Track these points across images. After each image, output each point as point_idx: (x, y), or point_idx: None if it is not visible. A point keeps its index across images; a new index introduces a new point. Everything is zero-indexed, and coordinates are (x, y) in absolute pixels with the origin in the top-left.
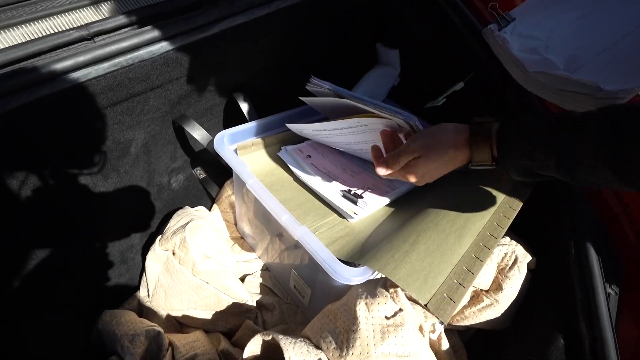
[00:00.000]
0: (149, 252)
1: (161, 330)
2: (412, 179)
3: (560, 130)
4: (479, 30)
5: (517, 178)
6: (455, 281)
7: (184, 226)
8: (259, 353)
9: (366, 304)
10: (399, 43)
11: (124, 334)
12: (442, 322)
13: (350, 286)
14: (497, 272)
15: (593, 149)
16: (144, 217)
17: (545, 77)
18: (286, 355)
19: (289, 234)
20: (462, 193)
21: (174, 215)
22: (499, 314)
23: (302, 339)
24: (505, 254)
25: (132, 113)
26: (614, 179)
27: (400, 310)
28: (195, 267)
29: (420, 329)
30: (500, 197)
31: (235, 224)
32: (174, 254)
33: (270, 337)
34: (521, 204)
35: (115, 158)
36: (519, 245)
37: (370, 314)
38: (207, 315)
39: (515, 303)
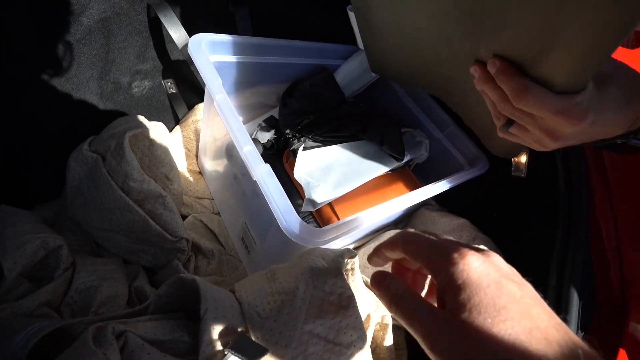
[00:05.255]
0: (74, 152)
1: (64, 244)
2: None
3: None
4: None
5: None
6: None
7: (126, 130)
8: (173, 297)
9: (312, 269)
10: None
11: (13, 235)
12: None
13: (303, 249)
14: None
15: None
16: (86, 116)
17: None
18: (203, 305)
19: (248, 175)
20: None
21: (120, 118)
22: None
23: (226, 292)
24: None
25: None
26: None
27: (349, 293)
28: (126, 183)
29: (367, 319)
30: None
31: (197, 157)
32: (104, 160)
33: (190, 279)
34: None
35: (64, 28)
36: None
37: (312, 283)
38: (131, 243)
39: None
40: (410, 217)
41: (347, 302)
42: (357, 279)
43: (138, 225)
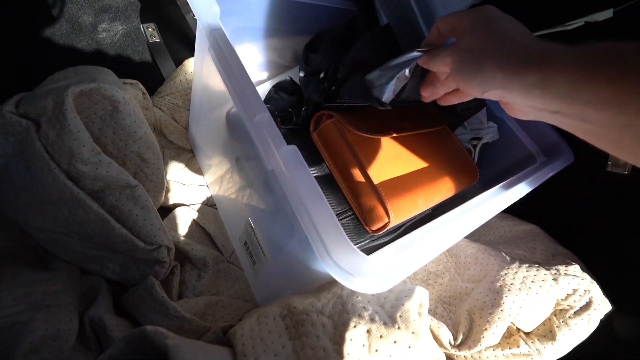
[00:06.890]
0: None
1: None
2: None
3: None
4: None
5: None
6: None
7: (71, 84)
8: (134, 356)
9: (369, 331)
10: None
11: None
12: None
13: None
14: (553, 312)
15: None
16: (28, 67)
17: None
18: None
19: (256, 159)
20: None
21: (68, 69)
22: None
23: (223, 353)
24: (574, 290)
25: None
26: None
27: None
28: (73, 165)
29: None
30: None
31: (187, 129)
32: (39, 127)
33: (161, 342)
34: None
35: None
36: (595, 284)
37: (370, 355)
38: (88, 248)
39: None
40: None
41: None
42: (424, 324)
43: (95, 227)
